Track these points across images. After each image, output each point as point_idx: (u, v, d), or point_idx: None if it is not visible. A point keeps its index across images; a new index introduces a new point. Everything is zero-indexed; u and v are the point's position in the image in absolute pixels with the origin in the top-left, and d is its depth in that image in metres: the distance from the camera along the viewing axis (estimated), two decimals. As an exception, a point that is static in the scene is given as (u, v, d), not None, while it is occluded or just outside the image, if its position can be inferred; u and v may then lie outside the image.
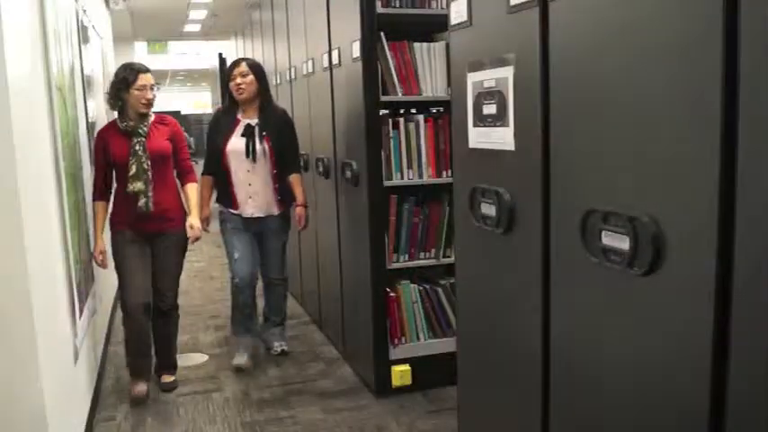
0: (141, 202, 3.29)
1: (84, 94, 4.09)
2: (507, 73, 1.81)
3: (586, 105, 1.46)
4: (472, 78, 1.99)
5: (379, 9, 3.15)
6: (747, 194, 1.06)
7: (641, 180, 1.30)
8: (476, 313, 2.15)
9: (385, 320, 3.34)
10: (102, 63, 5.79)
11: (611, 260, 1.37)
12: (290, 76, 4.70)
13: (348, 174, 3.45)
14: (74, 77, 3.53)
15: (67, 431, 2.64)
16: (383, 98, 3.22)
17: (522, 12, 1.69)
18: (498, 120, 1.87)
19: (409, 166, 3.28)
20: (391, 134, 3.26)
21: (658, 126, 1.24)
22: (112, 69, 7.61)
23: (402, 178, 3.28)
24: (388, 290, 3.36)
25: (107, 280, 4.33)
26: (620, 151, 1.36)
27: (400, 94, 3.25)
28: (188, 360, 4.07)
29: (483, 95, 1.94)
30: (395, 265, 3.35)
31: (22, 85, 2.25)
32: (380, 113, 3.26)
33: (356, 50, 3.21)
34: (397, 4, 3.20)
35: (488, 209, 1.93)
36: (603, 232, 1.39)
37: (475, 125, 2.01)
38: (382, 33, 3.18)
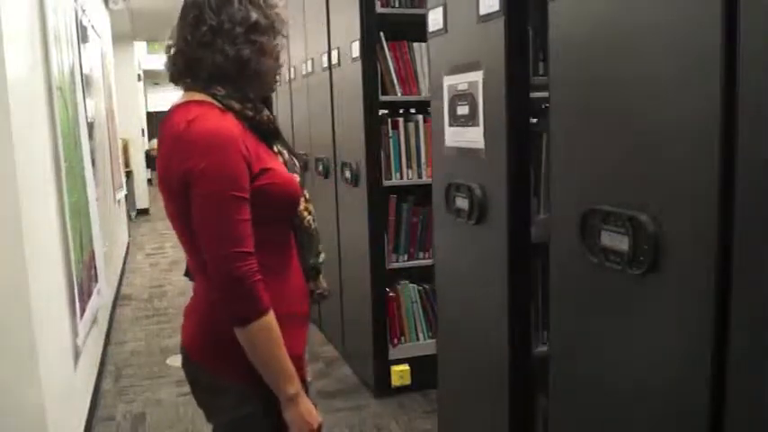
0: (321, 285, 1.64)
1: (84, 94, 4.08)
2: (477, 77, 1.97)
3: (586, 105, 1.46)
4: (448, 81, 2.15)
5: (379, 9, 3.16)
6: (746, 194, 1.06)
7: (641, 180, 1.30)
8: (452, 303, 2.31)
9: (384, 320, 3.35)
10: (101, 63, 5.78)
11: (611, 260, 1.37)
12: (290, 76, 4.70)
13: (347, 174, 3.45)
14: (74, 77, 3.53)
15: (67, 431, 2.64)
16: (382, 98, 3.22)
17: (490, 21, 1.87)
18: (470, 120, 2.02)
19: (408, 166, 3.28)
20: (390, 134, 3.26)
21: (658, 126, 1.24)
22: (112, 69, 7.62)
23: (401, 178, 3.28)
24: (387, 290, 3.36)
25: (108, 278, 4.33)
26: (619, 151, 1.36)
27: (399, 94, 3.25)
28: (187, 360, 4.07)
29: (457, 97, 2.09)
30: (394, 265, 3.35)
31: (22, 85, 2.25)
32: (380, 113, 3.26)
33: (355, 50, 3.21)
34: (397, 4, 3.21)
35: (462, 202, 2.09)
36: (603, 232, 1.39)
37: (450, 125, 2.16)
38: (381, 33, 3.18)
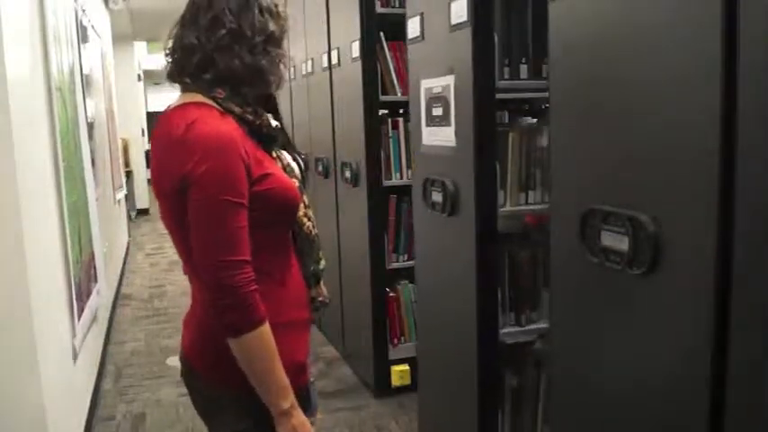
0: (322, 293, 1.61)
1: (84, 95, 4.08)
2: (449, 81, 2.17)
3: (586, 105, 1.46)
4: (425, 85, 2.36)
5: (379, 9, 3.16)
6: (746, 194, 1.06)
7: (641, 180, 1.30)
8: (430, 289, 2.56)
9: (384, 320, 3.35)
10: (101, 63, 5.78)
11: (611, 260, 1.37)
12: (290, 76, 4.70)
13: (347, 174, 3.45)
14: (74, 78, 3.53)
15: (67, 431, 2.64)
16: (382, 98, 3.23)
17: (459, 30, 2.08)
18: (443, 120, 2.23)
19: (408, 166, 3.27)
20: (390, 134, 3.26)
21: (658, 126, 1.24)
22: (112, 69, 7.62)
23: (401, 178, 3.28)
24: (387, 290, 3.36)
25: (107, 278, 4.33)
26: (619, 151, 1.36)
27: (399, 94, 3.25)
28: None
29: (433, 100, 2.31)
30: (394, 265, 3.35)
31: (22, 86, 2.25)
32: (380, 113, 3.26)
33: (355, 50, 3.21)
34: (397, 4, 3.20)
35: (437, 196, 2.30)
36: (603, 232, 1.39)
37: (427, 125, 2.37)
38: (381, 33, 3.18)
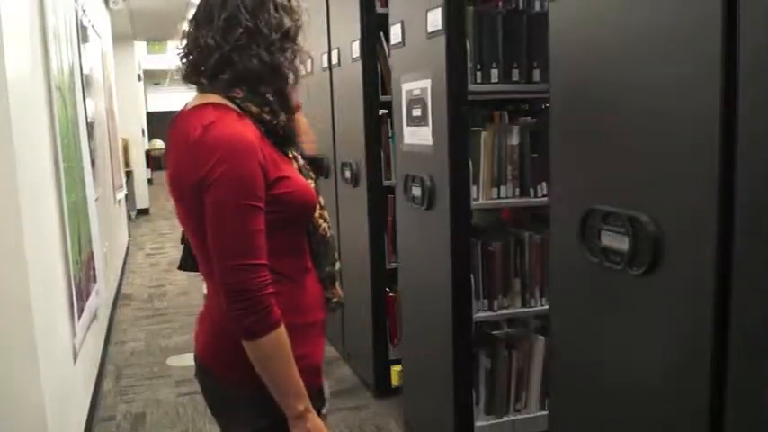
0: (337, 294, 1.61)
1: (84, 94, 4.08)
2: (426, 84, 2.35)
3: (587, 106, 1.46)
4: (405, 88, 2.54)
5: (379, 9, 3.16)
6: (746, 194, 1.06)
7: (641, 180, 1.30)
8: (410, 276, 2.78)
9: (384, 320, 3.34)
10: (101, 63, 5.78)
11: (611, 260, 1.37)
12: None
13: (347, 174, 3.45)
14: (74, 77, 3.52)
15: (67, 431, 2.64)
16: (382, 98, 3.22)
17: (435, 38, 2.26)
18: (422, 121, 2.42)
19: (409, 166, 3.27)
20: (390, 134, 3.25)
21: (658, 126, 1.24)
22: (112, 69, 7.62)
23: (401, 178, 3.28)
24: (387, 290, 3.36)
25: (107, 278, 4.33)
26: (619, 151, 1.36)
27: (400, 94, 3.25)
28: (188, 360, 4.07)
29: (412, 102, 2.49)
30: (394, 265, 3.34)
31: (22, 85, 2.25)
32: (380, 113, 3.26)
33: (356, 50, 3.21)
34: (397, 5, 3.21)
35: (416, 191, 2.48)
36: (603, 232, 1.39)
37: (408, 125, 2.56)
38: (381, 33, 3.18)
